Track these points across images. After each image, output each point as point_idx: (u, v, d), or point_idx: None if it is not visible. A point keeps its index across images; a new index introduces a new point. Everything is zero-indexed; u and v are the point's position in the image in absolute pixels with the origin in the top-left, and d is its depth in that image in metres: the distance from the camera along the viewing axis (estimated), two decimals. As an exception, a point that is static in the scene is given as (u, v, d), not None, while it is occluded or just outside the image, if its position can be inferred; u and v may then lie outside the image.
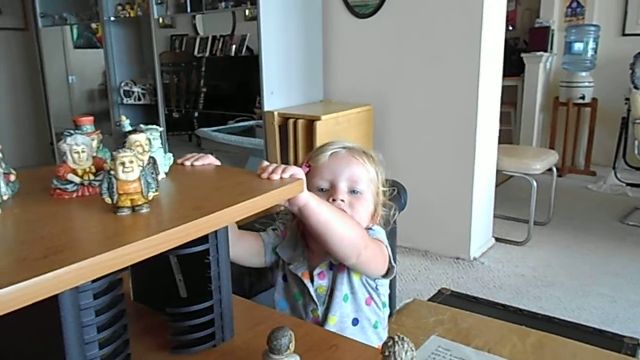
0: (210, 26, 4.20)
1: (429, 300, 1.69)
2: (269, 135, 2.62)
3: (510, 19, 3.96)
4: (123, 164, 0.63)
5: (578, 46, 4.10)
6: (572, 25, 4.22)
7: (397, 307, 1.53)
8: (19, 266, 0.49)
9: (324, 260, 1.02)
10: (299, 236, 1.07)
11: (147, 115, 3.58)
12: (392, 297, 1.34)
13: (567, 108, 4.14)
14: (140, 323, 0.83)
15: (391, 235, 1.44)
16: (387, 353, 0.62)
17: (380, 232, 1.07)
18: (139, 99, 3.59)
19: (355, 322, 1.02)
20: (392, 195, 1.14)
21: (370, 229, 1.05)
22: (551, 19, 4.27)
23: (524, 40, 4.61)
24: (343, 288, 1.01)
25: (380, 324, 1.05)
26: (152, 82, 3.49)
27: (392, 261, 1.03)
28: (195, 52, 4.03)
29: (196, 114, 3.79)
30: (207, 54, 3.99)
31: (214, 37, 4.03)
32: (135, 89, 3.56)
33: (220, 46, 3.99)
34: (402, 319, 1.45)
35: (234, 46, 3.91)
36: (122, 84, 3.56)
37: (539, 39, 4.22)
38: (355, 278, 1.02)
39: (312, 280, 1.02)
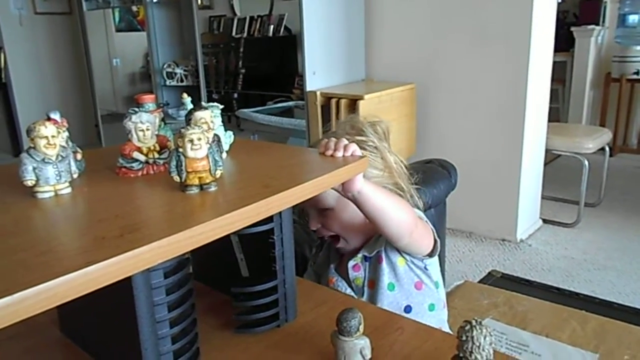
0: (247, 6, 4.17)
1: (480, 282, 1.65)
2: (311, 116, 2.59)
3: (559, -10, 3.78)
4: (192, 141, 0.61)
5: (633, 18, 3.88)
6: (626, -4, 3.99)
7: (448, 289, 1.50)
8: (99, 244, 0.49)
9: (356, 253, 1.00)
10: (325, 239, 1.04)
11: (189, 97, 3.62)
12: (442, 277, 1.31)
13: (620, 84, 3.94)
14: (202, 302, 0.83)
15: (440, 216, 1.41)
16: (464, 338, 0.59)
17: (417, 211, 1.01)
18: (181, 81, 3.62)
19: (408, 309, 0.98)
20: (416, 180, 1.05)
21: None
22: (603, -11, 4.05)
23: (574, 13, 4.39)
24: (385, 278, 0.97)
25: (436, 305, 1.01)
26: (194, 64, 3.51)
27: (436, 236, 0.98)
28: (233, 33, 4.02)
29: (235, 95, 3.80)
30: (245, 34, 3.97)
31: (251, 18, 4.00)
32: (177, 70, 3.59)
33: (257, 27, 3.96)
34: (454, 300, 1.42)
35: (271, 26, 3.87)
36: (165, 66, 3.59)
37: (590, 11, 4.01)
38: (400, 265, 0.97)
39: (347, 273, 0.99)
